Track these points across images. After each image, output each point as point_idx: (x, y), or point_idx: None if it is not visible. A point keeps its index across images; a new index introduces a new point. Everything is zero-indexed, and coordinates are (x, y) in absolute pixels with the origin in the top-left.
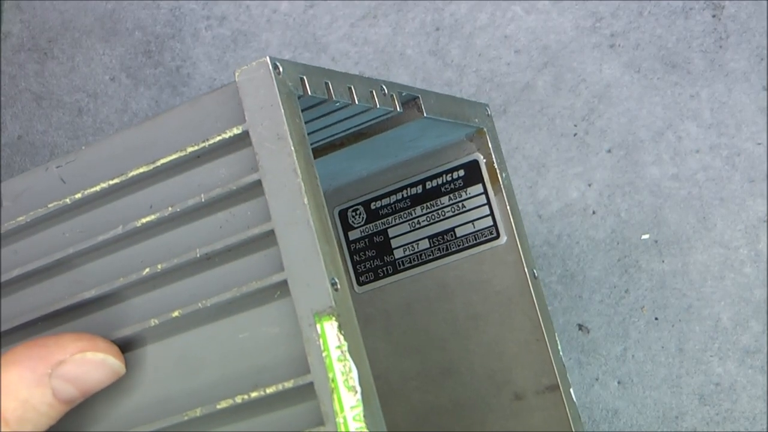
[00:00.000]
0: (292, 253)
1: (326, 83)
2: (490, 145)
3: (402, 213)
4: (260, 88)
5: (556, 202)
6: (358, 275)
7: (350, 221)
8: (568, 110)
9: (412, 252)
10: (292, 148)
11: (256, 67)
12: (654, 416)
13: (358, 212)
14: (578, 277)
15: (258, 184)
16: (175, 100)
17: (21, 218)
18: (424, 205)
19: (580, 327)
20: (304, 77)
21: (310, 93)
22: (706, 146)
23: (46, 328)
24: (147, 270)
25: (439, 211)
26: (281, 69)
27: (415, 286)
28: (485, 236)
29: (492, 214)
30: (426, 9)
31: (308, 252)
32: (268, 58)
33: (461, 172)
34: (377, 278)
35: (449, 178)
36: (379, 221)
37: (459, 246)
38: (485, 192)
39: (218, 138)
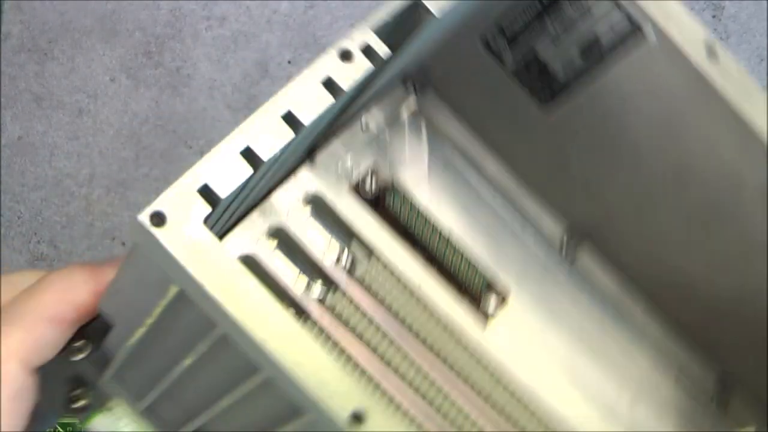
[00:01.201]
0: None
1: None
2: None
3: (536, 32)
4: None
5: None
6: (538, 96)
7: (494, 50)
8: None
9: (572, 70)
10: None
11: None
12: None
13: (495, 38)
14: None
15: None
16: (175, 100)
17: None
18: (551, 17)
19: None
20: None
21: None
22: None
23: None
24: None
25: (568, 24)
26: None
27: (599, 103)
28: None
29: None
30: None
31: None
32: (138, 219)
33: None
34: (556, 98)
35: None
36: (522, 45)
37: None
38: None
39: None
